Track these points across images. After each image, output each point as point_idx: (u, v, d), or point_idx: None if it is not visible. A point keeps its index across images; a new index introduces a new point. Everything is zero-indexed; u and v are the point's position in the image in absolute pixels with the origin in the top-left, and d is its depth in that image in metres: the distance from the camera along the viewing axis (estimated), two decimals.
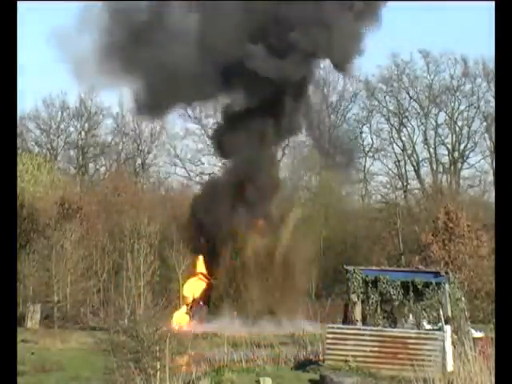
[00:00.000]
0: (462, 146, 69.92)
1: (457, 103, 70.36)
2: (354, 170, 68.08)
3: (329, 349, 23.41)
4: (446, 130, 70.51)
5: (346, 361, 22.75)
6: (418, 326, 23.67)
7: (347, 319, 24.31)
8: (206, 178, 69.98)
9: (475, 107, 69.74)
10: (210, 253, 44.49)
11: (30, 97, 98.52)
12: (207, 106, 67.20)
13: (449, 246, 49.42)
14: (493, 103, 65.33)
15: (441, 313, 23.34)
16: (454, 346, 21.91)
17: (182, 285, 44.56)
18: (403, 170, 69.91)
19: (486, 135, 68.72)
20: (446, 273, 24.74)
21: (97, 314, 38.85)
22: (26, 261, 41.31)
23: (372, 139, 70.72)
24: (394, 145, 70.36)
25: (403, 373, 21.41)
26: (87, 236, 47.36)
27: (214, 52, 41.81)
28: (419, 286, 23.97)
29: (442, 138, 70.50)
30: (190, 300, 44.20)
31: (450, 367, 21.55)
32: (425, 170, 70.51)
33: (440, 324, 23.04)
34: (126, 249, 41.40)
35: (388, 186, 69.23)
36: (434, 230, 50.49)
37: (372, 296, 24.11)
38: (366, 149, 70.23)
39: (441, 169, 70.45)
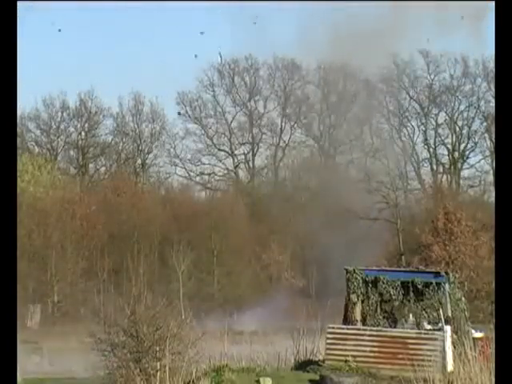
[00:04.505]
0: (462, 146, 69.91)
1: (457, 103, 70.36)
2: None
3: (329, 349, 23.37)
4: (446, 130, 70.50)
5: (345, 361, 22.72)
6: (418, 326, 23.62)
7: (347, 319, 24.26)
8: (206, 178, 70.06)
9: (475, 107, 69.73)
10: None
11: (30, 97, 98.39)
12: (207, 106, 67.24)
13: (449, 247, 49.40)
14: (493, 103, 65.27)
15: (441, 313, 23.29)
16: (454, 346, 21.88)
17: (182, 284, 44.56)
18: (403, 170, 69.86)
19: (486, 135, 68.71)
20: (447, 273, 24.69)
21: (97, 314, 38.81)
22: (27, 261, 41.33)
23: (372, 139, 70.67)
24: (394, 145, 70.36)
25: (403, 373, 21.37)
26: (87, 236, 47.34)
27: None
28: (419, 286, 23.91)
29: (442, 138, 70.50)
30: None
31: (449, 367, 21.52)
32: (425, 169, 70.53)
33: (440, 324, 23.00)
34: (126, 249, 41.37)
35: (388, 185, 69.15)
36: (434, 231, 50.47)
37: (372, 296, 24.05)
38: (366, 149, 70.15)
39: (441, 169, 70.42)
